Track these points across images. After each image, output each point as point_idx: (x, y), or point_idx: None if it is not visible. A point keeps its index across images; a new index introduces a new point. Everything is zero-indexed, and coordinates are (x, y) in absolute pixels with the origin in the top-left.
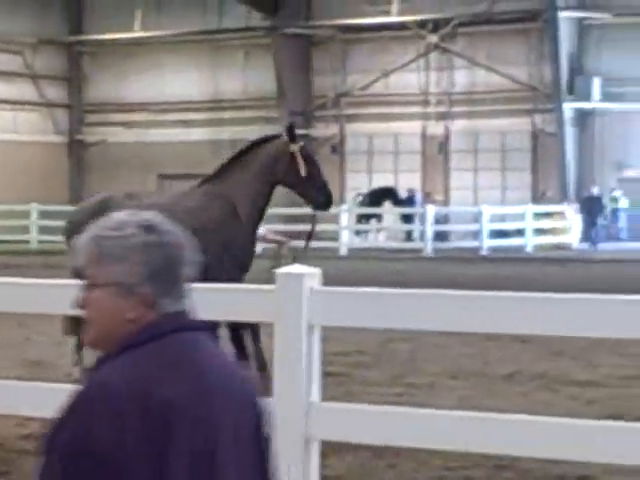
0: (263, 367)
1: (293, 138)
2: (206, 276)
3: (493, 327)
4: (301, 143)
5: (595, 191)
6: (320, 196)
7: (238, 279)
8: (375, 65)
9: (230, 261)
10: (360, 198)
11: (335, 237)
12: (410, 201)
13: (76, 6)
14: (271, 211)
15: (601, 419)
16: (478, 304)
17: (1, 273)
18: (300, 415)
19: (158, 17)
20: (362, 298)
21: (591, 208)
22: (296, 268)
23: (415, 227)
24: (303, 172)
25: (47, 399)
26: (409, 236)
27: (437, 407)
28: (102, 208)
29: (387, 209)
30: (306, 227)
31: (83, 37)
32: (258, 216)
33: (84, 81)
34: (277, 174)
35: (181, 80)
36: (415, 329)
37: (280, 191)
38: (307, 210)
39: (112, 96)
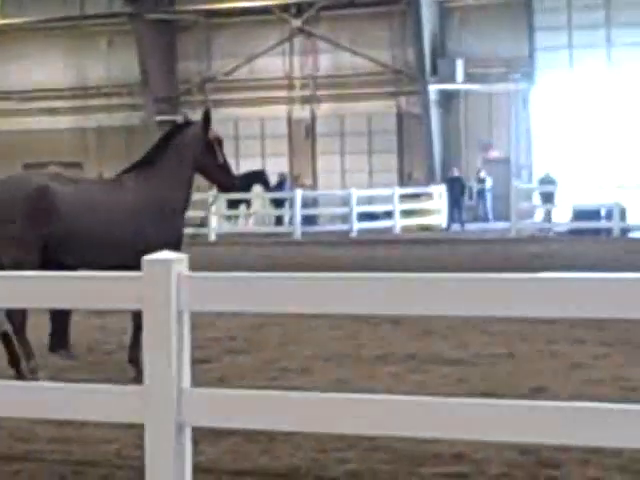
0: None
1: (209, 124)
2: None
3: (363, 309)
4: (213, 129)
5: (456, 172)
6: (232, 180)
7: None
8: (240, 50)
9: (167, 247)
10: None
11: (204, 223)
12: (280, 186)
13: None
14: None
15: (472, 397)
16: (348, 286)
17: None
18: (171, 402)
19: (20, 4)
20: (231, 283)
21: (453, 189)
22: (163, 254)
23: (284, 211)
24: (220, 158)
25: None
26: (279, 221)
27: (310, 390)
28: (40, 195)
29: (256, 194)
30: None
31: None
32: (188, 201)
33: None
34: (197, 160)
35: (45, 68)
36: (285, 313)
37: None
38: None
39: None
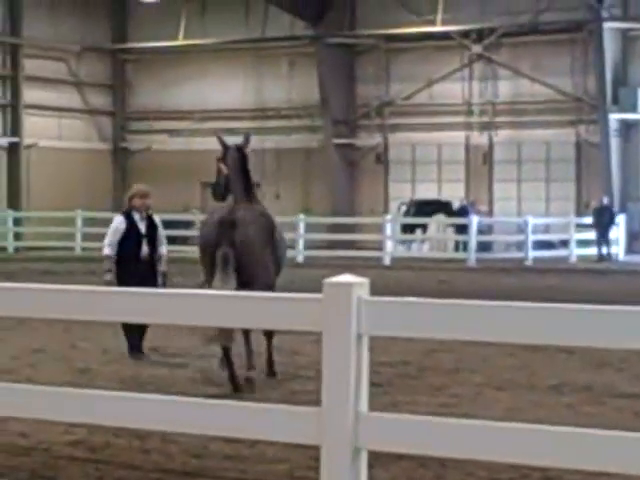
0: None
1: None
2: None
3: (538, 338)
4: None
5: (605, 201)
6: None
7: None
8: (419, 75)
9: None
10: (404, 208)
11: (379, 247)
12: (463, 212)
13: (120, 14)
14: (316, 220)
15: None
16: (523, 315)
17: (46, 279)
18: (349, 425)
19: (202, 25)
20: (410, 308)
21: (600, 219)
22: (344, 277)
23: (458, 237)
24: None
25: (93, 406)
26: (457, 247)
27: (483, 418)
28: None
29: (434, 220)
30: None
31: (127, 45)
32: None
33: (128, 88)
34: None
35: (225, 88)
36: (462, 339)
37: (325, 201)
38: (350, 219)
39: (156, 104)
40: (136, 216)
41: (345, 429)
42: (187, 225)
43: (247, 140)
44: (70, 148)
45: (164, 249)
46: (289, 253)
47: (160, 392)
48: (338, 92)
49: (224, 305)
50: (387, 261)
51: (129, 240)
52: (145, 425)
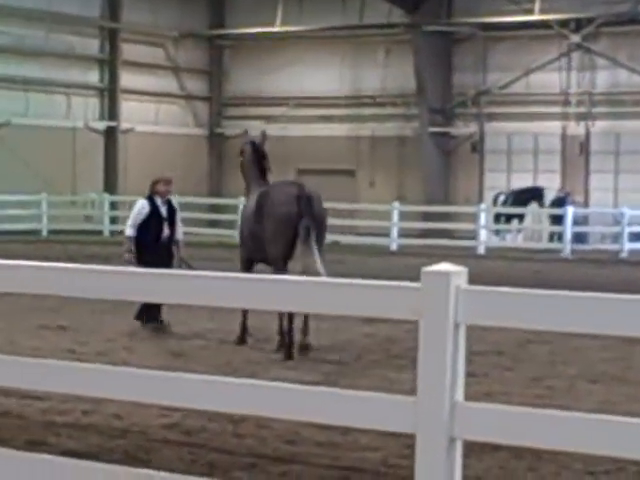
0: None
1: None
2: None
3: (633, 330)
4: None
5: None
6: None
7: None
8: (516, 64)
9: None
10: (502, 197)
11: (473, 236)
12: (561, 202)
13: (218, 0)
14: (410, 208)
15: None
16: (620, 307)
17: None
18: (445, 414)
19: (299, 12)
20: (508, 298)
21: None
22: (442, 266)
23: (555, 228)
24: None
25: (187, 389)
26: (552, 237)
27: (576, 410)
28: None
29: (530, 210)
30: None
31: (224, 31)
32: None
33: (224, 74)
34: None
35: (321, 75)
36: (557, 331)
37: (419, 189)
38: (445, 208)
39: (252, 90)
40: (158, 201)
41: (441, 418)
42: None
43: (263, 136)
44: (166, 133)
45: (181, 234)
46: (383, 241)
47: (254, 377)
48: (434, 80)
49: (320, 291)
50: (481, 250)
51: (152, 223)
52: (239, 410)
